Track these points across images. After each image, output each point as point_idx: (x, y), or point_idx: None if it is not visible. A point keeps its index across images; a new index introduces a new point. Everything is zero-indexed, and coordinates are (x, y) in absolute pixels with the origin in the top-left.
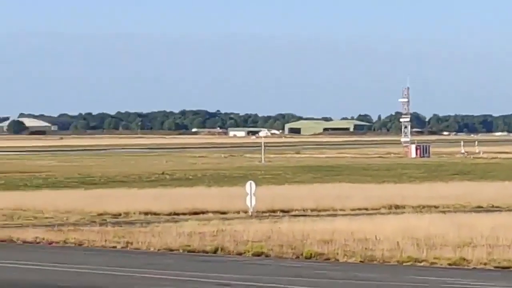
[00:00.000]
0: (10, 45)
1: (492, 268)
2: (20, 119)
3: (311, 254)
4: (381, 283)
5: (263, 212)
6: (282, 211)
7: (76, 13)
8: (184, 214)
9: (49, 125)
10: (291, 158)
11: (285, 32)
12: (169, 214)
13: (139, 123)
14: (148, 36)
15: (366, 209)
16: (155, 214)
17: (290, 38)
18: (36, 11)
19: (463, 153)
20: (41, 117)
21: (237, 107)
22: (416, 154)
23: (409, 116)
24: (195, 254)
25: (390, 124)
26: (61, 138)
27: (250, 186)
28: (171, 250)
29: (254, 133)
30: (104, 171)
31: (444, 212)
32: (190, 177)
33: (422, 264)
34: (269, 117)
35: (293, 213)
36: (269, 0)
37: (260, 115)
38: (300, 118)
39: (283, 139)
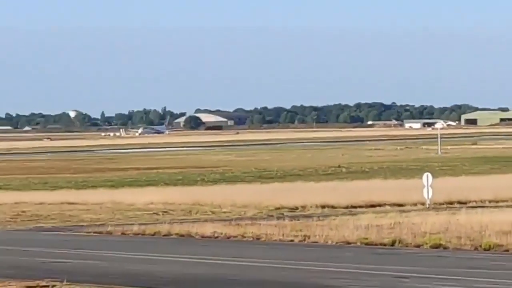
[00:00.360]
0: (184, 42)
1: None
2: (197, 114)
3: (489, 245)
4: None
5: (440, 203)
6: (460, 202)
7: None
8: (361, 207)
9: (225, 120)
10: (468, 149)
11: (455, 24)
12: (346, 207)
13: (315, 117)
14: (323, 30)
15: None
16: (332, 207)
17: (461, 30)
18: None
19: None
20: (217, 112)
21: (412, 99)
22: None
23: None
24: (373, 247)
25: None
26: (237, 133)
27: (426, 178)
28: (349, 243)
29: (430, 124)
30: (281, 165)
31: None
32: (367, 169)
33: None
34: (445, 108)
35: (471, 204)
36: None
37: (435, 106)
38: (476, 109)
39: (459, 130)
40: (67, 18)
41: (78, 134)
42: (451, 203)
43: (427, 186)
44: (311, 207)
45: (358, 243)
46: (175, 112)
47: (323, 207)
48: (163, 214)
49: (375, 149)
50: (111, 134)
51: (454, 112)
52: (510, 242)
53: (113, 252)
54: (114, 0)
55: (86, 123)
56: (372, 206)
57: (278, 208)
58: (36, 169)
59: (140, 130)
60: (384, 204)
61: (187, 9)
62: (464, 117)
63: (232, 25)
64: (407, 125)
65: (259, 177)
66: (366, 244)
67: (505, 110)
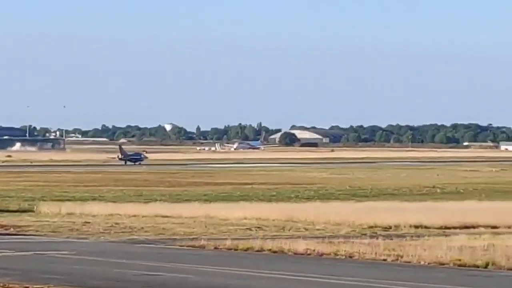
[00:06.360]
0: (280, 59)
1: None
2: (292, 131)
3: None
4: None
5: None
6: None
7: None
8: (454, 228)
9: (320, 137)
10: None
11: None
12: (440, 228)
13: (410, 136)
14: (421, 49)
15: None
16: (425, 227)
17: None
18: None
19: None
20: (312, 129)
21: (509, 121)
22: None
23: None
24: (466, 268)
25: None
26: (332, 151)
27: None
28: (442, 263)
29: None
30: (375, 184)
31: None
32: (461, 191)
33: None
34: None
35: None
36: None
37: None
38: None
39: None
40: (164, 30)
41: (174, 148)
42: None
43: None
44: (404, 226)
45: (451, 264)
46: (270, 128)
47: (416, 227)
48: (256, 230)
49: (471, 170)
50: (206, 148)
51: None
52: None
53: (206, 266)
54: (205, 17)
55: (182, 136)
56: (466, 227)
57: (371, 227)
58: (130, 182)
59: (235, 145)
60: (478, 226)
61: (286, 26)
62: None
63: (327, 43)
64: (502, 147)
65: (353, 195)
66: (459, 265)
67: None
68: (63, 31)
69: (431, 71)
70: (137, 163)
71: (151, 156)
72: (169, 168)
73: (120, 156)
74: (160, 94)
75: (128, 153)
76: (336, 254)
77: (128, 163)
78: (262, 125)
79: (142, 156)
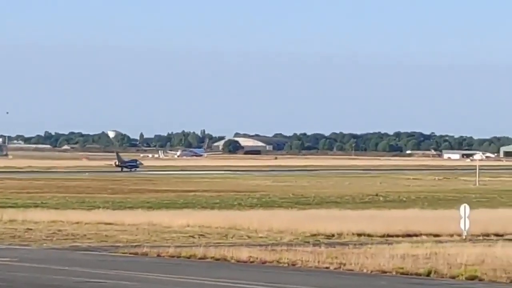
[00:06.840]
0: (225, 65)
1: None
2: (236, 138)
3: None
4: None
5: (476, 235)
6: (496, 235)
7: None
8: (397, 236)
9: (263, 145)
10: (506, 182)
11: (497, 57)
12: (382, 236)
13: (353, 144)
14: (362, 58)
15: None
16: (368, 235)
17: (503, 62)
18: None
19: None
20: (256, 137)
21: (451, 129)
22: None
23: None
24: (408, 277)
25: None
26: (276, 158)
27: (464, 209)
28: (384, 272)
29: (468, 155)
30: (318, 192)
31: None
32: (404, 199)
33: None
34: (484, 140)
35: (508, 237)
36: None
37: (475, 137)
38: None
39: (498, 162)
40: (110, 37)
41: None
42: (487, 235)
43: (464, 217)
44: (347, 234)
45: (394, 272)
46: (214, 135)
47: (359, 235)
48: (199, 237)
49: (413, 178)
50: (150, 155)
51: (493, 144)
52: None
53: (148, 273)
54: (153, 22)
55: (125, 143)
56: (409, 235)
57: (314, 235)
58: (73, 188)
59: (178, 152)
60: (421, 234)
61: (228, 32)
62: (503, 149)
63: (273, 50)
64: (445, 156)
65: (296, 203)
66: (402, 273)
67: None
68: (3, 38)
69: (374, 79)
70: (133, 169)
71: (93, 163)
72: (112, 175)
73: (117, 163)
74: (103, 101)
75: (125, 160)
76: (278, 262)
77: (125, 169)
78: (206, 132)
79: (138, 162)
